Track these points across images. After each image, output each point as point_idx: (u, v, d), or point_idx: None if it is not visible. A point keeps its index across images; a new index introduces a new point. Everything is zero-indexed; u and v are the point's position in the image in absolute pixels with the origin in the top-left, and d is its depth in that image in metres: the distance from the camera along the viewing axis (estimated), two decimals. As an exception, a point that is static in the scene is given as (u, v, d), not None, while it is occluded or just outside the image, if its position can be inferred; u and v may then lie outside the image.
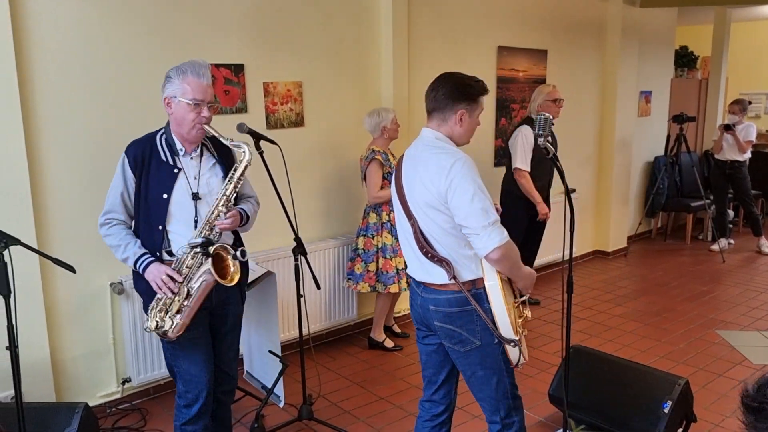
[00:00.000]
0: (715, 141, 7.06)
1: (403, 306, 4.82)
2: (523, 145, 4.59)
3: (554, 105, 4.61)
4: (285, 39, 4.05)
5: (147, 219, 2.47)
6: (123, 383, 3.57)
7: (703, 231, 7.58)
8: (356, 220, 4.52)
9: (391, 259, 4.17)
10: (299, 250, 3.19)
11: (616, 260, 6.69)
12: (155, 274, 2.38)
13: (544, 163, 4.50)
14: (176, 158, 2.48)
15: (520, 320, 2.37)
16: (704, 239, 7.46)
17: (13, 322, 2.33)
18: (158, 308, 2.40)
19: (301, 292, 3.24)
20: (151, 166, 2.45)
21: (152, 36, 3.49)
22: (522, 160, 4.59)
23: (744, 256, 6.75)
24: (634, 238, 7.14)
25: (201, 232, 2.42)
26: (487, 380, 2.37)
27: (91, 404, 3.11)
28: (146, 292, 2.48)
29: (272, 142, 3.04)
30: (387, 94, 4.57)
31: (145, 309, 2.47)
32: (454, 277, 2.25)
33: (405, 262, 4.11)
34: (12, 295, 2.31)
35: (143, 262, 2.42)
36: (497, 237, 2.15)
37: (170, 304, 2.39)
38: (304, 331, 3.30)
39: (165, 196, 2.45)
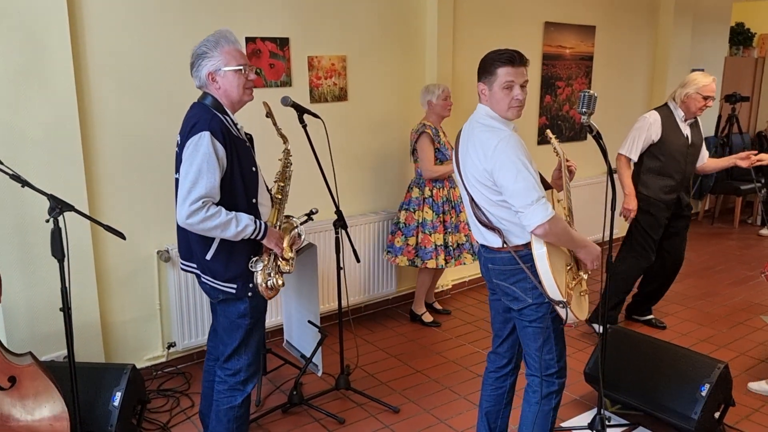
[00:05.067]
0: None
1: (443, 282, 4.85)
2: (637, 129, 3.96)
3: (703, 102, 3.86)
4: (330, 13, 4.06)
5: (244, 194, 2.45)
6: (168, 347, 3.71)
7: (752, 215, 7.36)
8: (398, 195, 4.55)
9: (430, 235, 4.20)
10: (340, 223, 3.24)
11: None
12: (278, 237, 2.53)
13: (673, 160, 3.94)
14: (239, 131, 2.52)
15: (574, 282, 2.48)
16: (753, 223, 7.24)
17: (67, 286, 2.43)
18: (272, 268, 2.54)
19: (341, 265, 3.30)
20: (233, 141, 2.41)
21: (193, 7, 3.54)
22: (629, 148, 3.98)
23: (795, 242, 6.54)
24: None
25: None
26: (535, 337, 2.51)
27: (138, 366, 3.24)
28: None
29: (315, 115, 3.07)
30: (431, 70, 4.55)
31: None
32: (505, 242, 2.42)
33: (444, 239, 4.20)
34: (66, 259, 2.42)
35: (261, 226, 2.45)
36: (540, 215, 2.28)
37: (284, 266, 2.57)
38: (344, 303, 3.37)
39: (254, 169, 2.51)
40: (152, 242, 3.59)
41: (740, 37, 8.23)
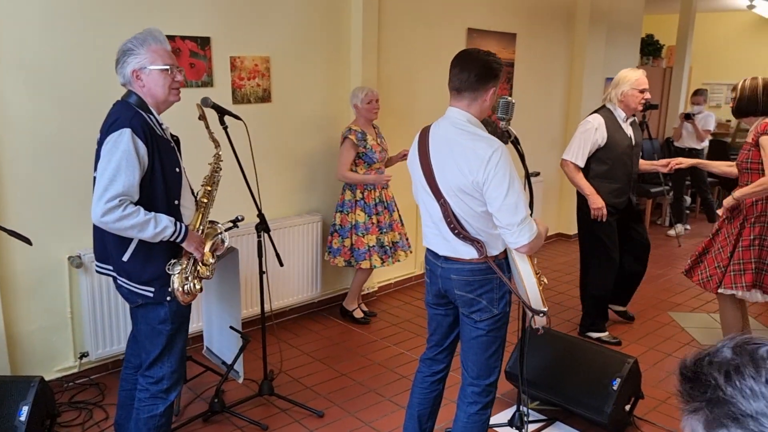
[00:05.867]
0: (675, 129, 7.23)
1: (368, 284, 4.85)
2: (580, 135, 3.96)
3: (640, 95, 3.89)
4: (253, 13, 4.00)
5: (165, 195, 2.37)
6: (80, 357, 3.54)
7: (661, 216, 7.78)
8: (327, 197, 4.55)
9: (363, 237, 4.25)
10: (262, 226, 3.19)
11: (577, 242, 6.81)
12: (199, 241, 2.46)
13: (620, 163, 3.98)
14: (164, 131, 2.44)
15: (541, 288, 2.48)
16: (662, 224, 7.66)
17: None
18: (191, 272, 2.47)
19: (264, 269, 3.25)
20: (156, 140, 2.33)
21: (110, 3, 3.41)
22: (573, 153, 3.98)
23: (699, 242, 6.90)
24: (595, 222, 7.28)
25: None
26: (487, 346, 2.51)
27: (47, 378, 3.08)
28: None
29: (237, 117, 3.02)
30: (356, 72, 4.56)
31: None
32: (484, 254, 2.36)
33: (378, 240, 4.21)
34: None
35: (182, 228, 2.37)
36: (527, 235, 2.27)
37: (203, 271, 2.50)
38: (267, 307, 3.32)
39: (177, 170, 2.43)
40: (64, 247, 3.41)
41: (650, 48, 8.70)
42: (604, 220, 3.96)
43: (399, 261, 4.44)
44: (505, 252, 2.46)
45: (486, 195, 2.26)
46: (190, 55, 3.72)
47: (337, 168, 4.23)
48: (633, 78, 3.89)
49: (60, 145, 3.31)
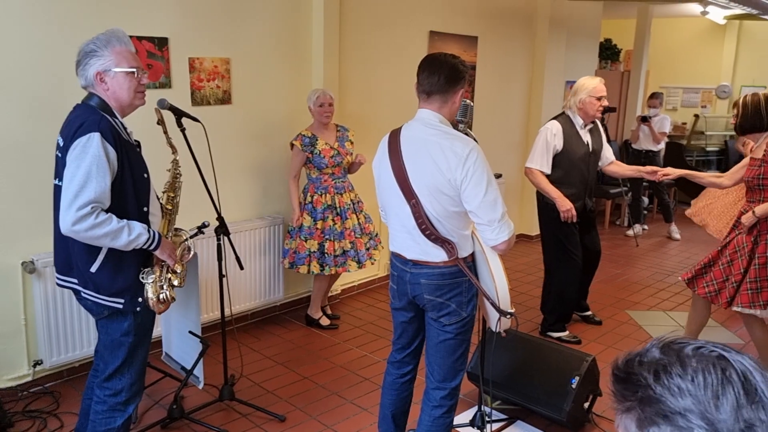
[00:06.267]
0: (633, 131, 7.40)
1: (334, 287, 4.84)
2: (541, 142, 4.01)
3: (598, 103, 3.97)
4: (212, 14, 3.95)
5: (135, 201, 2.31)
6: (34, 365, 3.45)
7: (620, 216, 7.95)
8: (286, 200, 4.51)
9: (305, 241, 4.20)
10: (222, 230, 3.16)
11: (539, 243, 6.88)
12: (171, 248, 2.42)
13: (576, 169, 4.05)
14: (129, 135, 2.38)
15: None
16: (621, 224, 7.82)
17: None
18: (164, 280, 2.43)
19: (224, 273, 3.21)
20: (123, 145, 2.27)
21: (64, 2, 3.33)
22: (536, 160, 4.02)
23: (656, 241, 7.13)
24: (556, 223, 7.40)
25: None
26: (454, 349, 2.52)
27: (-1, 387, 2.99)
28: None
29: (195, 119, 2.97)
30: (318, 75, 4.54)
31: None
32: (455, 256, 2.37)
33: (320, 246, 4.17)
34: None
35: (155, 235, 2.33)
36: (507, 231, 2.32)
37: (174, 279, 2.46)
38: (229, 311, 3.28)
39: (145, 176, 2.37)
40: (17, 253, 3.31)
41: (608, 52, 8.88)
42: (575, 221, 4.01)
43: (348, 271, 4.35)
44: (473, 255, 2.48)
45: (464, 193, 2.28)
46: (148, 56, 3.66)
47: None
48: (591, 86, 3.96)
49: (12, 149, 3.22)
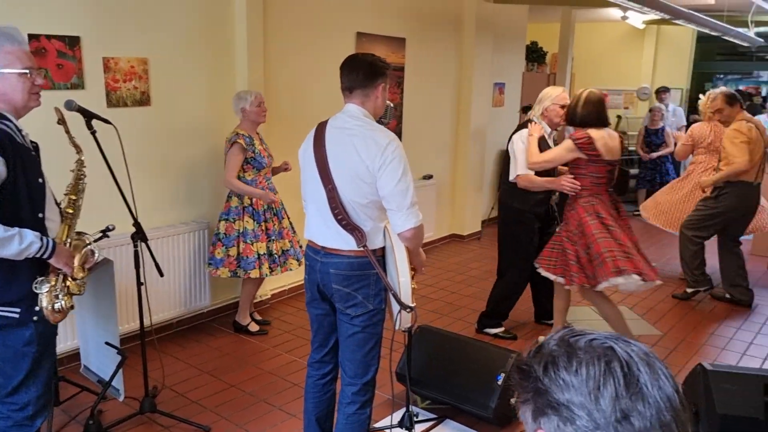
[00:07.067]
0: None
1: (261, 292, 4.75)
2: (522, 151, 4.03)
3: (562, 111, 4.04)
4: (127, 12, 3.81)
5: (29, 208, 2.21)
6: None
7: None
8: (212, 204, 4.41)
9: (252, 244, 4.13)
10: (139, 235, 3.05)
11: (471, 243, 7.03)
12: (67, 256, 2.31)
13: (542, 173, 4.05)
14: (24, 138, 2.26)
15: (414, 286, 2.57)
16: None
17: None
18: (60, 289, 2.32)
19: (142, 280, 3.10)
20: (16, 149, 2.16)
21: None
22: (523, 166, 4.03)
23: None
24: (487, 222, 7.52)
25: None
26: (364, 343, 2.55)
27: None
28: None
29: (106, 121, 2.86)
30: (242, 76, 4.45)
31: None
32: (364, 245, 2.42)
33: (267, 248, 4.11)
34: None
35: (49, 243, 2.21)
36: (414, 219, 2.40)
37: (73, 288, 2.36)
38: (148, 319, 3.17)
39: (40, 180, 2.26)
40: None
41: (535, 55, 9.12)
42: (579, 187, 3.88)
43: (291, 270, 4.34)
44: (382, 249, 2.54)
45: (379, 180, 2.37)
46: (58, 55, 3.50)
47: (225, 175, 4.08)
48: (554, 94, 4.10)
49: None
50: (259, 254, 4.14)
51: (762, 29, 9.05)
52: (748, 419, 2.86)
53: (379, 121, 2.65)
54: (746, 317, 4.91)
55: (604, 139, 3.73)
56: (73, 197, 2.48)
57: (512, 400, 0.96)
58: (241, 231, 4.13)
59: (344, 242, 2.46)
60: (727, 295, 5.19)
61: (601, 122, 3.77)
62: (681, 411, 0.88)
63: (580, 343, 0.91)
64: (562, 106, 4.06)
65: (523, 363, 0.95)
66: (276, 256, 4.23)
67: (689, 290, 5.27)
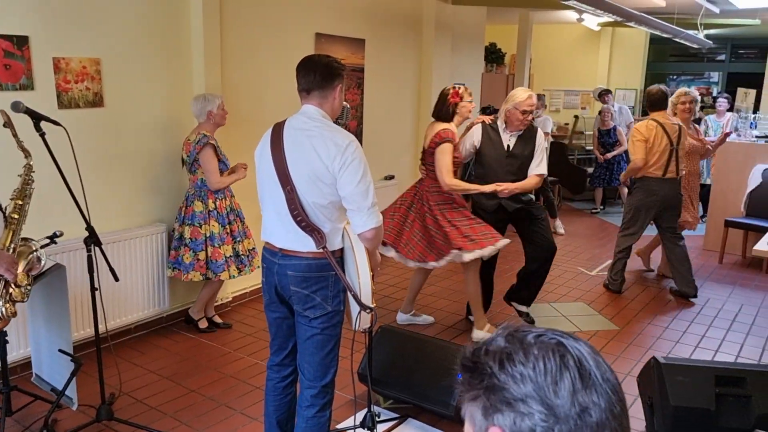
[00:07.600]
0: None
1: (222, 294, 4.70)
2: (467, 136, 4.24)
3: (522, 116, 4.06)
4: (78, 11, 3.72)
5: None
6: None
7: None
8: (168, 206, 4.34)
9: (219, 248, 4.13)
10: (92, 240, 2.97)
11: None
12: (9, 262, 2.28)
13: (491, 169, 4.19)
14: None
15: (373, 286, 2.57)
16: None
17: None
18: (2, 296, 2.29)
19: (96, 285, 3.03)
20: None
21: None
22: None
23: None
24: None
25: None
26: (323, 345, 2.54)
27: None
28: None
29: (56, 123, 2.78)
30: (199, 77, 4.39)
31: None
32: (324, 246, 2.40)
33: (234, 249, 4.07)
34: None
35: None
36: (374, 219, 2.40)
37: (14, 294, 2.32)
38: (111, 324, 3.10)
39: None
40: None
41: (494, 56, 9.22)
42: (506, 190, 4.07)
43: (258, 267, 4.33)
44: (341, 251, 2.53)
45: (339, 181, 2.37)
46: (5, 55, 3.39)
47: (207, 177, 4.02)
48: (518, 99, 4.08)
49: None
50: (226, 257, 4.14)
51: (711, 31, 9.33)
52: (701, 410, 2.94)
53: (336, 122, 2.65)
54: (699, 311, 5.05)
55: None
56: (20, 202, 2.41)
57: (463, 396, 0.94)
58: (208, 235, 4.11)
59: (302, 244, 2.44)
60: (674, 287, 5.36)
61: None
62: (624, 403, 0.90)
63: (529, 339, 0.92)
64: (523, 112, 4.06)
65: (471, 360, 0.94)
66: (243, 257, 4.24)
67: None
